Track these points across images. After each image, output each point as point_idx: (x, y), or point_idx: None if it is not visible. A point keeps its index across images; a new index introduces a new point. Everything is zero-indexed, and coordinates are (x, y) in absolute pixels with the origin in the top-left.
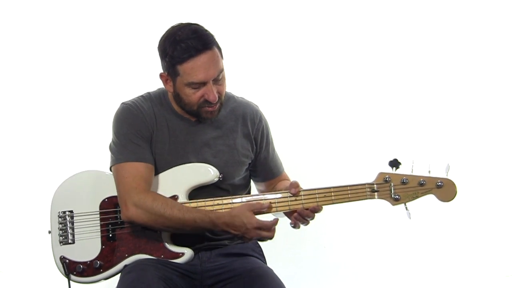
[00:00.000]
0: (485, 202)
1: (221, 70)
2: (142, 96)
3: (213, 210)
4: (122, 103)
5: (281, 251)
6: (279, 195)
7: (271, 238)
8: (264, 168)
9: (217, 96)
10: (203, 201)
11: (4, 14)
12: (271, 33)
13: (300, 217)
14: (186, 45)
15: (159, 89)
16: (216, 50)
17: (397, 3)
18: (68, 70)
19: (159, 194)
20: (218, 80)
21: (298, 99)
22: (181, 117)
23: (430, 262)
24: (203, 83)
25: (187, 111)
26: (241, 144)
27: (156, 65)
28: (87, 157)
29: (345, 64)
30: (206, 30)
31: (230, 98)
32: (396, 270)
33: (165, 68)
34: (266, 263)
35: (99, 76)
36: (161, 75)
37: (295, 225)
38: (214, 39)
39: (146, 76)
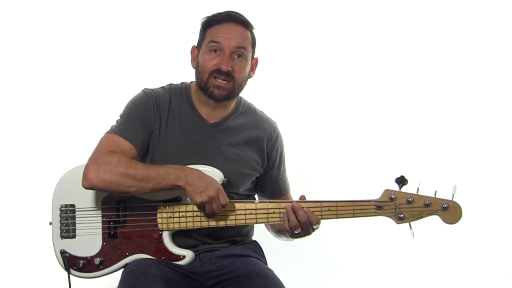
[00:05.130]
0: (485, 202)
1: (244, 48)
2: (163, 87)
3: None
4: (144, 89)
5: (281, 252)
6: (284, 204)
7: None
8: (273, 186)
9: (229, 68)
10: None
11: (4, 9)
12: (281, 46)
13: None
14: (220, 14)
15: (182, 82)
16: (248, 33)
17: (411, 17)
18: (71, 64)
19: (125, 156)
20: (237, 56)
21: (306, 113)
22: (199, 115)
23: (430, 261)
24: (221, 50)
25: (200, 85)
26: (252, 157)
27: (160, 64)
28: (89, 151)
29: (355, 77)
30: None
31: (251, 109)
32: (396, 269)
33: (198, 41)
34: (266, 264)
35: (102, 69)
36: (192, 48)
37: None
38: (250, 24)
39: (147, 73)
